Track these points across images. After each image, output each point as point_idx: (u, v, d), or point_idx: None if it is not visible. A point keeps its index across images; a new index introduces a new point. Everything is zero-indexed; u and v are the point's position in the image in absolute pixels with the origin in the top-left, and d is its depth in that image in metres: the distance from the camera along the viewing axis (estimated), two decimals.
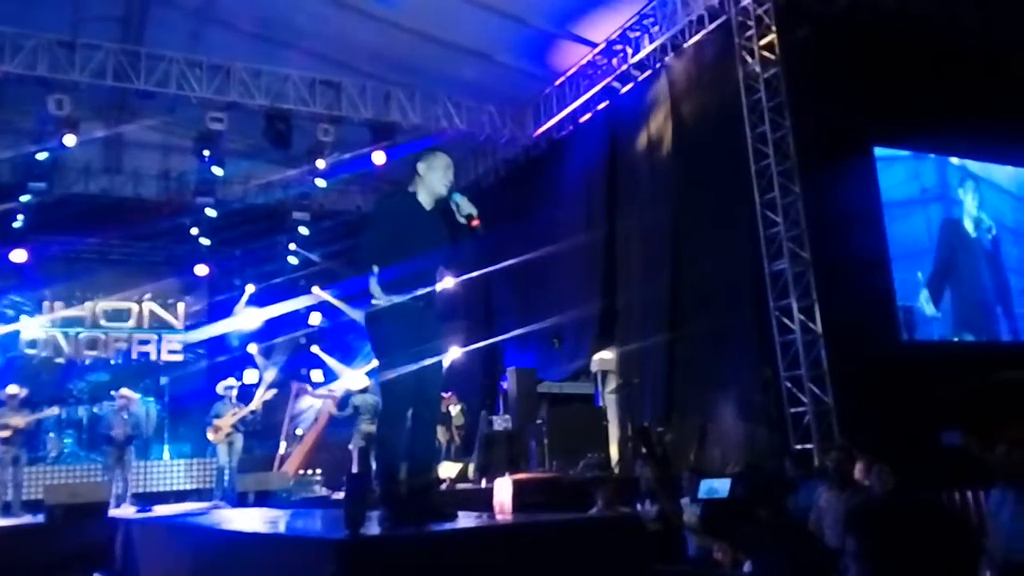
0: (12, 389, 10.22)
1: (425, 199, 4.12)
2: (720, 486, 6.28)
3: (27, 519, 9.05)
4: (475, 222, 4.02)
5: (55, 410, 11.08)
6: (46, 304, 14.57)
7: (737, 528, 5.09)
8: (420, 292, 3.96)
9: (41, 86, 11.09)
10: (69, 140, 11.48)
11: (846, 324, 9.36)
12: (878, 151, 10.80)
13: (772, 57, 9.89)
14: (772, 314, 9.50)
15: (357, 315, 4.01)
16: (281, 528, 4.40)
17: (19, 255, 12.88)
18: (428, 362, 3.93)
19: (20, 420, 9.86)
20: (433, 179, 4.10)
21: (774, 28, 9.91)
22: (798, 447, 9.02)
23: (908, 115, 10.22)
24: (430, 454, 4.12)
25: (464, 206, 4.03)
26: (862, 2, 9.67)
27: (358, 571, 3.06)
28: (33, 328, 14.32)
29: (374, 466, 8.89)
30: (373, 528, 3.51)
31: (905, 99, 10.05)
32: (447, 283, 13.35)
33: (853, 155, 10.19)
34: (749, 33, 10.06)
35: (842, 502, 5.68)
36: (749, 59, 10.04)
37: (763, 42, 9.96)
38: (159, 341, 15.29)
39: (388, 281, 3.89)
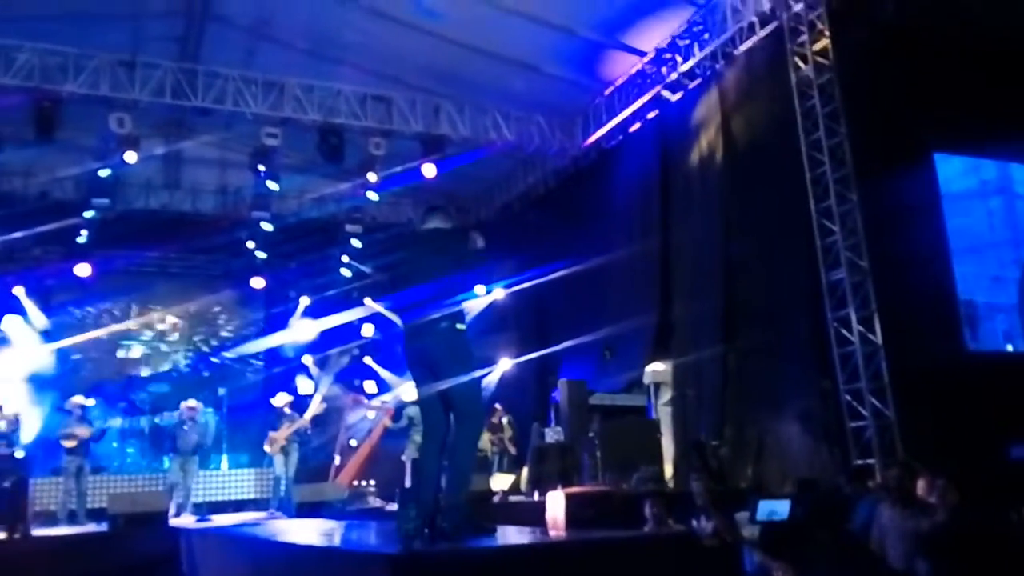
0: (76, 400, 10.54)
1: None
2: (780, 507, 6.11)
3: (91, 527, 9.30)
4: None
5: (117, 421, 11.38)
6: (108, 316, 14.98)
7: (797, 550, 4.96)
8: (440, 313, 4.12)
9: (103, 105, 11.41)
10: (130, 157, 11.81)
11: (907, 334, 9.10)
12: (938, 156, 10.49)
13: (826, 62, 9.70)
14: (830, 325, 9.27)
15: (409, 325, 4.18)
16: (334, 541, 4.43)
17: (83, 269, 13.28)
18: (463, 379, 4.03)
19: (84, 430, 10.14)
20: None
21: (827, 33, 9.73)
22: (859, 462, 8.78)
23: (968, 120, 9.91)
24: (466, 469, 4.15)
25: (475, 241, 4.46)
26: (917, 5, 9.41)
27: None
28: (96, 340, 14.73)
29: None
30: (425, 543, 3.52)
31: (965, 103, 9.75)
32: (481, 302, 13.44)
33: (912, 161, 9.92)
34: (802, 39, 9.89)
35: (905, 520, 5.51)
36: (802, 65, 9.86)
37: (816, 47, 9.78)
38: (216, 353, 15.62)
39: (406, 305, 4.19)
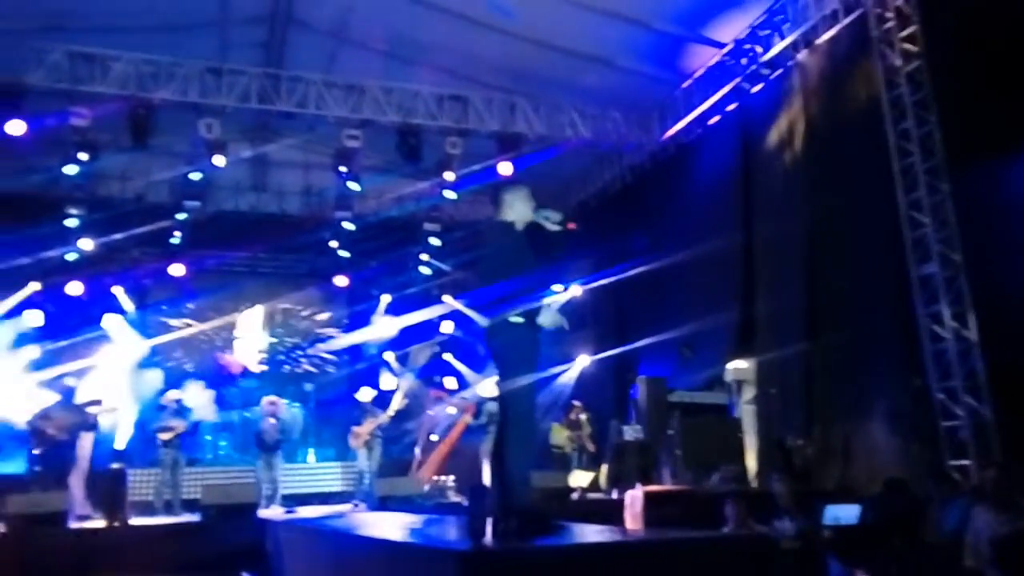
0: (172, 395, 11.01)
1: (521, 226, 4.39)
2: (845, 513, 5.92)
3: (185, 517, 9.71)
4: (571, 225, 4.31)
5: (209, 415, 11.83)
6: (201, 314, 15.57)
7: (871, 555, 4.80)
8: (517, 312, 4.13)
9: (193, 111, 11.86)
10: (219, 161, 12.24)
11: (1004, 330, 8.65)
12: None
13: (915, 49, 9.32)
14: (921, 321, 8.92)
15: (486, 323, 4.21)
16: (408, 535, 4.51)
17: (177, 269, 13.86)
18: (520, 379, 4.09)
19: (180, 424, 10.59)
20: (518, 213, 4.38)
21: (916, 19, 9.34)
22: (952, 463, 8.43)
23: None
24: (525, 468, 4.16)
25: (552, 215, 4.31)
26: None
27: None
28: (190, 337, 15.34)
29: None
30: (496, 540, 3.55)
31: None
32: (560, 299, 13.41)
33: (1008, 149, 9.43)
34: (888, 26, 9.52)
35: (1002, 524, 5.27)
36: (889, 53, 9.50)
37: (904, 34, 9.40)
38: (304, 349, 16.07)
39: (487, 302, 4.19)
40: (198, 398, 11.73)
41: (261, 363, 15.66)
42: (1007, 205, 9.31)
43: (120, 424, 11.45)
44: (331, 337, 16.22)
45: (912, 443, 8.87)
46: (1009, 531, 4.82)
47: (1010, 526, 5.16)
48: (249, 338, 15.65)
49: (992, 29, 9.13)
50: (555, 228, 4.29)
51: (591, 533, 4.39)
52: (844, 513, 5.96)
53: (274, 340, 15.95)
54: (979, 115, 9.09)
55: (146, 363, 13.73)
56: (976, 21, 9.12)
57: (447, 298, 14.82)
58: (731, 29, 11.69)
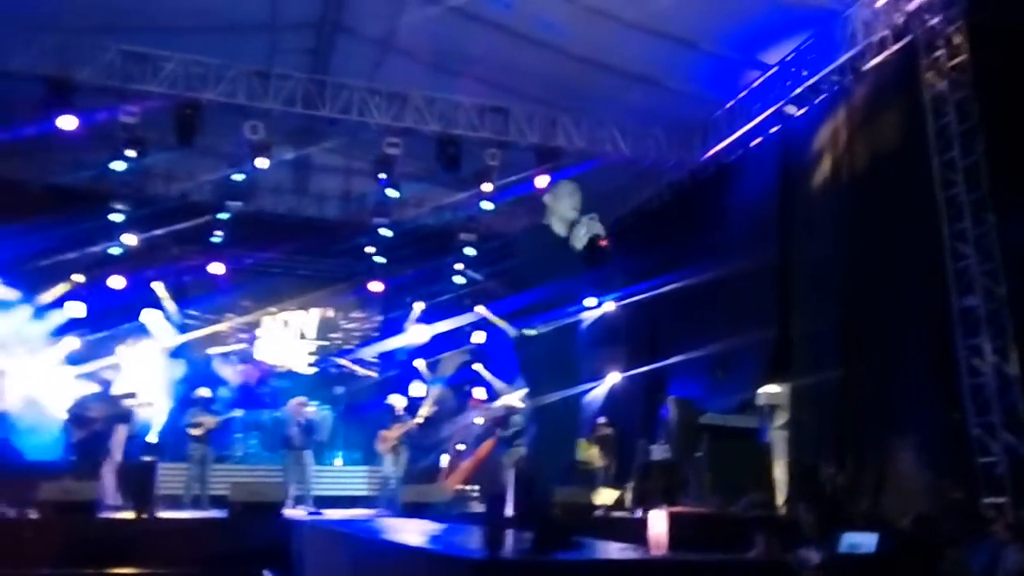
0: (203, 391, 11.17)
1: (559, 227, 4.23)
2: (864, 541, 5.80)
3: (213, 513, 9.82)
4: (603, 242, 4.09)
5: (239, 412, 11.98)
6: (239, 313, 15.79)
7: None
8: (557, 322, 4.05)
9: (239, 113, 12.06)
10: (262, 163, 12.43)
11: None
12: None
13: (963, 79, 9.18)
14: (960, 353, 8.75)
15: (514, 334, 4.15)
16: (426, 542, 4.52)
17: (217, 267, 14.08)
18: (552, 393, 4.00)
19: (210, 420, 10.73)
20: (561, 208, 4.21)
21: (965, 48, 9.21)
22: (988, 501, 8.23)
23: None
24: (548, 481, 4.10)
25: (590, 228, 4.10)
26: None
27: None
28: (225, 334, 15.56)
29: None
30: (512, 551, 3.54)
31: None
32: (594, 312, 13.36)
33: None
34: (937, 54, 9.40)
35: None
36: (937, 81, 9.37)
37: (953, 63, 9.27)
38: (336, 353, 16.22)
39: (523, 310, 4.08)
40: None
41: (311, 365, 15.84)
42: None
43: (153, 417, 11.63)
44: (368, 342, 16.35)
45: (945, 478, 8.68)
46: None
47: None
48: (279, 339, 15.82)
49: None
50: (585, 241, 4.13)
51: (610, 550, 4.36)
52: (862, 541, 5.84)
53: (325, 343, 16.13)
54: None
55: (181, 358, 13.95)
56: None
57: (479, 308, 14.86)
58: (778, 52, 11.61)
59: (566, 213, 4.20)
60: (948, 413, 8.84)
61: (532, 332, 4.08)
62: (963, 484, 8.46)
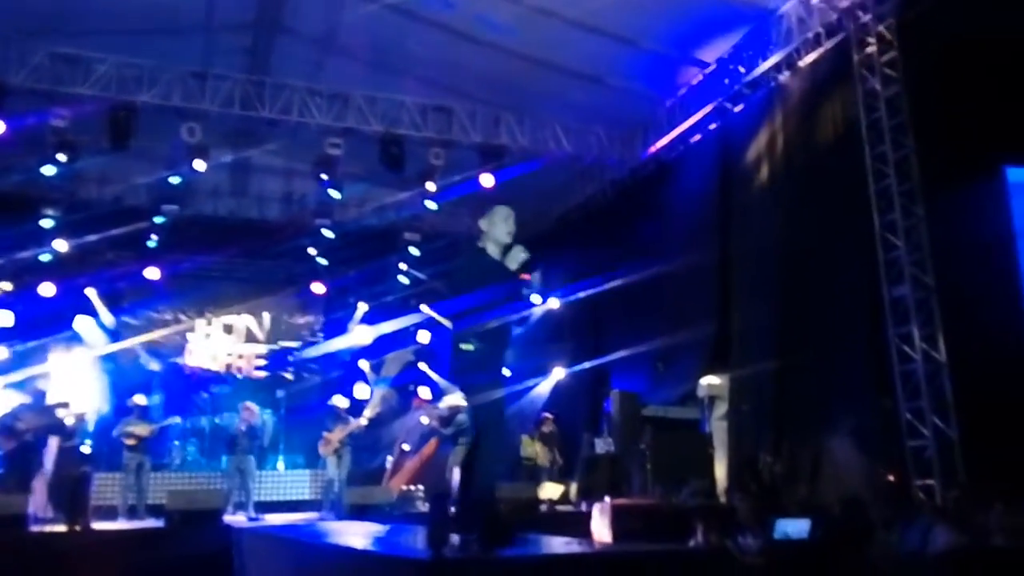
0: (138, 399, 10.91)
1: (493, 250, 4.43)
2: (795, 528, 5.97)
3: (150, 523, 9.59)
4: (524, 276, 4.30)
5: (177, 419, 11.72)
6: (175, 318, 15.47)
7: (817, 572, 4.83)
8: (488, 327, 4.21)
9: (175, 115, 11.80)
10: (199, 165, 12.16)
11: (973, 353, 8.77)
12: (1011, 173, 10.11)
13: (894, 75, 9.46)
14: (891, 341, 9.02)
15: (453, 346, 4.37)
16: (370, 544, 4.49)
17: (153, 272, 13.76)
18: (492, 395, 4.15)
19: (144, 429, 10.49)
20: (496, 232, 4.42)
21: (896, 45, 9.49)
22: (918, 483, 8.51)
23: None
24: (490, 479, 4.17)
25: (516, 257, 4.31)
26: (990, 17, 9.09)
27: None
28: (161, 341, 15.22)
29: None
30: (454, 550, 3.53)
31: None
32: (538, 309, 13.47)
33: (982, 176, 9.58)
34: (869, 50, 9.66)
35: (961, 543, 5.31)
36: (869, 77, 9.63)
37: (884, 59, 9.55)
38: (272, 356, 16.01)
39: (454, 313, 4.31)
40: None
41: (260, 369, 15.60)
42: (978, 230, 9.46)
43: (87, 427, 11.31)
44: (311, 344, 16.16)
45: (878, 462, 8.94)
46: (965, 547, 4.87)
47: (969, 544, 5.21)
48: (210, 343, 15.55)
49: (970, 57, 9.30)
50: (517, 265, 4.32)
51: (553, 544, 4.38)
52: (793, 528, 6.00)
53: (267, 347, 15.88)
54: (954, 141, 9.25)
55: (115, 366, 13.60)
56: (955, 49, 9.28)
57: (424, 307, 14.80)
58: (716, 50, 11.79)
59: (501, 238, 4.40)
60: (880, 399, 9.10)
61: (469, 347, 4.22)
62: (895, 468, 8.74)
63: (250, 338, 16.01)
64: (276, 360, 15.98)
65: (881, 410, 9.05)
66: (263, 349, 15.95)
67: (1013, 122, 9.32)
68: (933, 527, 5.52)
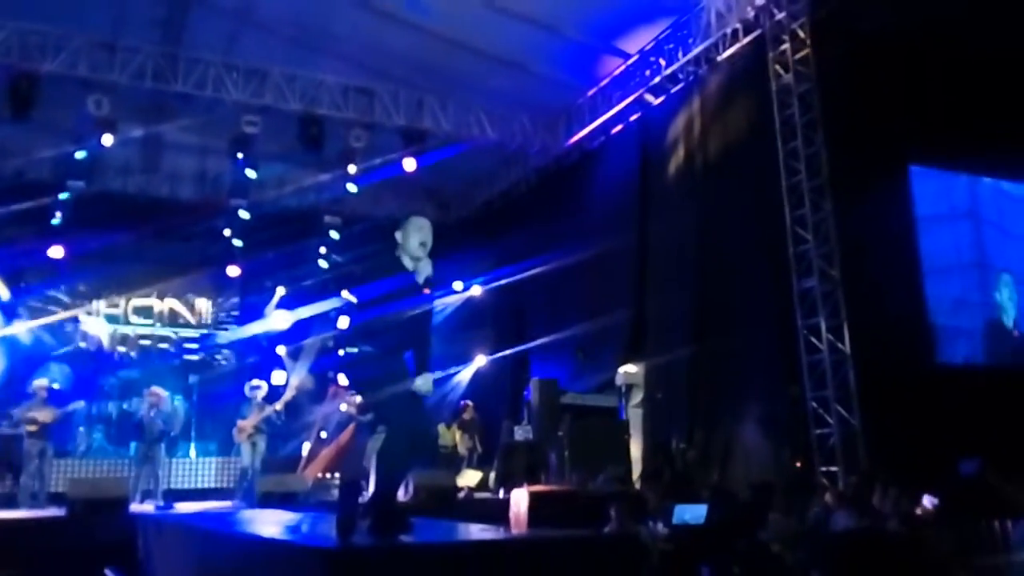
0: (40, 383, 10.44)
1: (407, 262, 4.48)
2: (692, 513, 6.18)
3: (51, 511, 9.21)
4: (426, 290, 4.41)
5: (80, 404, 11.26)
6: (80, 299, 14.85)
7: (712, 557, 4.99)
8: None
9: (82, 86, 11.28)
10: (107, 140, 11.68)
11: (876, 345, 9.17)
12: (913, 168, 10.56)
13: (806, 72, 9.75)
14: (800, 332, 9.33)
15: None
16: (279, 533, 4.40)
17: (56, 251, 13.14)
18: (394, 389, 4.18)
19: (46, 414, 10.04)
20: (410, 245, 4.45)
21: (809, 43, 9.76)
22: (823, 469, 8.84)
23: (945, 133, 9.98)
24: (392, 467, 4.16)
25: (422, 271, 4.41)
26: (899, 18, 9.45)
27: None
28: (65, 323, 14.61)
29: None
30: (362, 538, 3.49)
31: (942, 116, 9.82)
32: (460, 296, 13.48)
33: (887, 173, 9.99)
34: (783, 47, 9.93)
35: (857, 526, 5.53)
36: (783, 73, 9.90)
37: (797, 56, 9.82)
38: (186, 340, 15.55)
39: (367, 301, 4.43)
40: None
41: (169, 353, 15.13)
42: (884, 225, 9.87)
43: None
44: (223, 328, 15.73)
45: (785, 449, 9.25)
46: (859, 530, 5.07)
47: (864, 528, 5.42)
48: (101, 324, 15.03)
49: (880, 56, 9.66)
50: (423, 279, 4.41)
51: (468, 531, 4.38)
52: (691, 514, 6.20)
53: (177, 330, 15.39)
54: (863, 138, 9.60)
55: (16, 348, 13.00)
56: (865, 49, 9.64)
57: (345, 292, 14.56)
58: (638, 41, 11.94)
59: (414, 251, 4.43)
60: (789, 388, 9.41)
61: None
62: (802, 455, 9.06)
63: (154, 321, 15.48)
64: (181, 345, 15.50)
65: (790, 399, 9.36)
66: (164, 333, 15.45)
67: (919, 122, 9.74)
68: (833, 512, 5.73)
